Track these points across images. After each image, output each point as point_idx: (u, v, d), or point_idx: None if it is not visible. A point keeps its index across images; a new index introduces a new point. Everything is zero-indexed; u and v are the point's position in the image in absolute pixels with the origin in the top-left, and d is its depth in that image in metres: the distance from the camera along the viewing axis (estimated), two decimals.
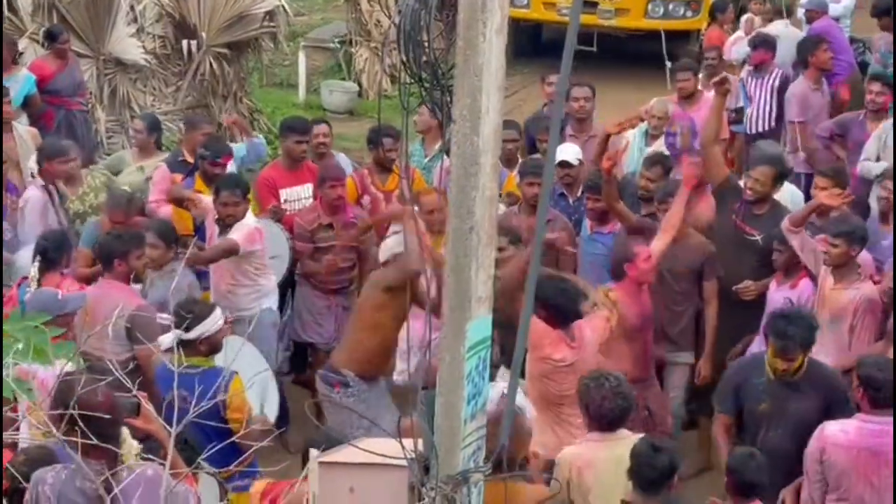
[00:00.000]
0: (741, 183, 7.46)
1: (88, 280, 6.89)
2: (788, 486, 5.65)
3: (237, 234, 7.17)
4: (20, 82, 9.41)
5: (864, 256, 6.78)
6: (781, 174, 7.43)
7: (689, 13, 14.31)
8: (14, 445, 4.87)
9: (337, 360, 6.80)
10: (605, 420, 5.32)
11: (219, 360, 5.88)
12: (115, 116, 11.08)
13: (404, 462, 3.37)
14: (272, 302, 7.47)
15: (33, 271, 6.55)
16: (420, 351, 6.88)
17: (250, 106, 12.03)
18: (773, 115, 10.09)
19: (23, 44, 10.27)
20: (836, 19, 12.22)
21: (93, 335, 5.49)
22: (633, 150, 9.12)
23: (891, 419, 5.33)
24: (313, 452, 3.78)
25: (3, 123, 8.58)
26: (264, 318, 7.13)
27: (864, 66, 11.21)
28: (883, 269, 6.94)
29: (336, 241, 7.75)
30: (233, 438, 4.82)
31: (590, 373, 5.54)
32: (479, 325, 3.35)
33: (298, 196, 8.28)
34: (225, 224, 7.27)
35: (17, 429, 4.46)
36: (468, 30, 3.19)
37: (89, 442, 3.61)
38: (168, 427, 3.46)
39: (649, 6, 14.17)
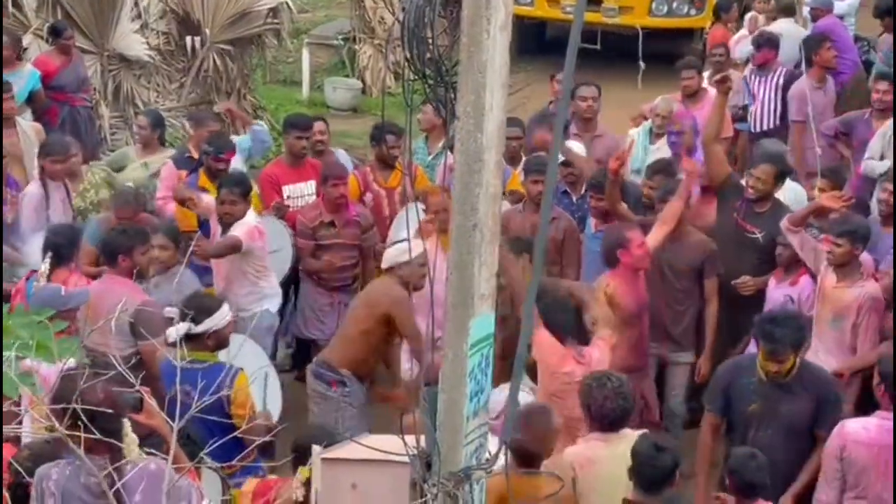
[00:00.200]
0: (743, 181, 7.47)
1: (94, 278, 6.90)
2: (787, 494, 5.64)
3: (238, 231, 7.16)
4: (25, 78, 9.41)
5: (864, 256, 6.78)
6: (783, 172, 7.44)
7: (692, 11, 14.29)
8: (17, 440, 4.89)
9: (332, 357, 6.78)
10: (606, 420, 5.32)
11: (221, 356, 5.88)
12: (118, 112, 11.09)
13: (406, 459, 3.38)
14: (272, 304, 7.44)
15: (44, 267, 6.57)
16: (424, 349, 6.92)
17: (254, 103, 12.04)
18: (778, 113, 10.08)
19: (27, 39, 10.28)
20: (841, 17, 12.21)
21: (96, 330, 5.49)
22: (638, 148, 9.13)
23: None
24: (316, 449, 3.78)
25: (4, 119, 8.59)
26: (261, 321, 7.13)
27: (868, 64, 11.20)
28: (882, 267, 6.94)
29: (338, 239, 7.75)
30: (235, 433, 4.82)
31: (591, 374, 5.54)
32: (482, 322, 3.35)
33: (301, 193, 8.29)
34: (225, 223, 7.27)
35: (20, 423, 4.47)
36: (472, 26, 3.18)
37: (92, 437, 3.61)
38: (171, 422, 3.46)
39: (653, 4, 14.16)
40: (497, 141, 3.28)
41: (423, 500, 3.34)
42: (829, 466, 5.49)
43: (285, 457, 5.22)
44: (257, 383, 5.95)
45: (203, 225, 7.64)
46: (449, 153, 3.73)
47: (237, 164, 8.36)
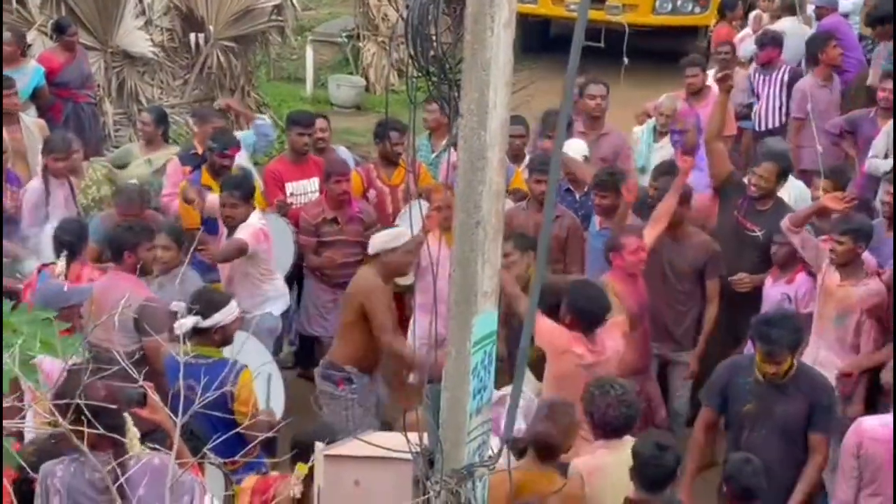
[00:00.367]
0: (745, 179, 7.46)
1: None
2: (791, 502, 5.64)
3: (243, 234, 7.15)
4: (29, 74, 9.42)
5: (865, 255, 6.79)
6: (785, 170, 7.44)
7: (697, 9, 14.28)
8: (20, 435, 4.89)
9: (336, 355, 6.81)
10: (609, 428, 5.33)
11: (225, 353, 5.89)
12: (122, 109, 11.10)
13: (409, 456, 3.38)
14: (276, 307, 7.43)
15: (60, 265, 6.58)
16: (426, 346, 6.93)
17: (257, 100, 12.04)
18: (783, 111, 10.08)
19: (31, 36, 10.28)
20: (846, 16, 12.20)
21: (101, 326, 5.50)
22: (642, 145, 9.13)
23: None
24: (319, 446, 3.79)
25: (8, 115, 8.59)
26: (263, 323, 7.14)
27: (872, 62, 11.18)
28: (884, 267, 6.94)
29: (341, 236, 7.75)
30: (238, 429, 4.82)
31: (594, 381, 5.54)
32: (485, 319, 3.35)
33: (304, 190, 8.29)
34: (229, 226, 7.28)
35: (23, 418, 4.47)
36: (476, 24, 3.18)
37: (95, 432, 3.61)
38: (174, 417, 3.47)
39: (657, 2, 14.15)
40: (500, 138, 3.28)
41: (426, 497, 3.35)
42: (845, 464, 5.50)
43: (287, 454, 5.23)
44: (260, 380, 5.95)
45: (207, 223, 7.65)
46: (452, 150, 3.73)
47: (242, 159, 8.36)
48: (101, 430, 3.75)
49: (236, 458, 5.01)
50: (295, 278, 8.00)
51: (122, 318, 5.94)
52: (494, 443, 3.59)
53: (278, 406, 6.32)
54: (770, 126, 10.14)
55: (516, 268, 6.60)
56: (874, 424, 5.45)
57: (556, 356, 6.01)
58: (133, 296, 6.13)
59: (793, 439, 5.64)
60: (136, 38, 11.06)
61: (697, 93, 9.60)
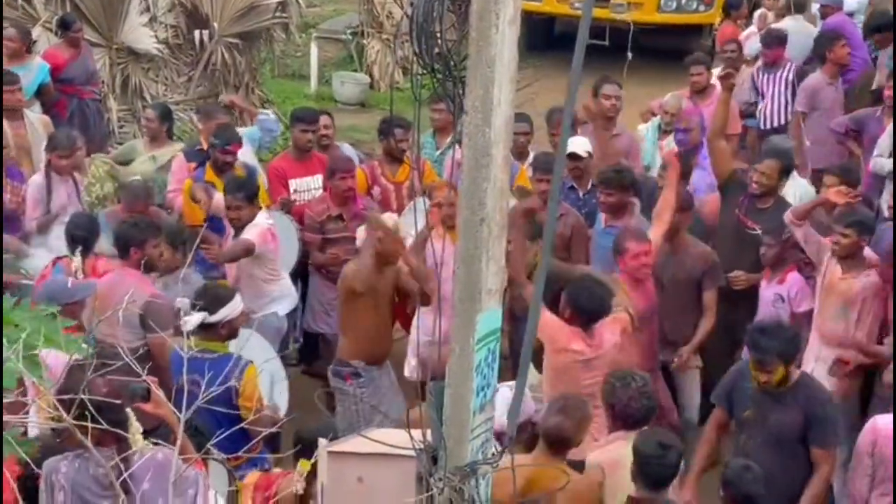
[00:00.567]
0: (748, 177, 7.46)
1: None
2: None
3: (250, 234, 7.15)
4: (34, 71, 9.42)
5: (866, 251, 6.79)
6: (787, 168, 7.43)
7: (701, 7, 14.27)
8: (23, 432, 4.89)
9: (343, 351, 6.84)
10: (630, 419, 5.37)
11: (230, 349, 5.90)
12: (126, 106, 11.10)
13: (413, 453, 3.38)
14: (281, 307, 7.42)
15: (76, 261, 6.59)
16: (430, 344, 6.93)
17: (261, 96, 12.04)
18: (788, 109, 10.06)
19: (36, 32, 10.28)
20: (851, 15, 12.18)
21: (106, 322, 5.51)
22: (647, 144, 9.12)
23: None
24: (322, 442, 3.79)
25: (12, 111, 8.60)
26: (269, 323, 7.14)
27: (878, 61, 11.17)
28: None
29: (346, 233, 7.75)
30: (242, 424, 4.84)
31: (615, 373, 5.58)
32: (489, 317, 3.35)
33: (308, 187, 8.29)
34: (235, 227, 7.28)
35: (27, 413, 4.47)
36: (481, 21, 3.18)
37: (99, 427, 3.62)
38: (178, 412, 3.48)
39: (662, 0, 14.14)
40: (505, 136, 3.28)
41: (429, 494, 3.35)
42: (860, 462, 5.52)
43: (290, 450, 5.23)
44: (264, 376, 5.96)
45: (212, 221, 7.65)
46: (457, 148, 3.72)
47: (247, 155, 8.36)
48: (105, 427, 3.75)
49: (239, 453, 5.00)
50: (299, 275, 8.00)
51: (127, 315, 5.95)
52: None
53: (282, 402, 6.33)
54: (775, 124, 10.14)
55: (527, 252, 6.60)
56: (888, 423, 5.44)
57: (554, 352, 6.04)
58: (138, 292, 6.15)
59: (788, 450, 5.59)
60: (140, 34, 11.06)
61: (702, 91, 9.58)
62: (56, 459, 4.33)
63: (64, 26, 9.98)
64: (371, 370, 6.75)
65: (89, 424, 3.54)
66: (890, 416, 5.51)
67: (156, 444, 4.21)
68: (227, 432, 3.82)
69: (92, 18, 10.75)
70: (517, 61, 3.28)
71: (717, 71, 10.06)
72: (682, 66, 10.10)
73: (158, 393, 4.36)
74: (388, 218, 6.95)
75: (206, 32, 11.34)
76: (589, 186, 8.11)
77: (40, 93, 9.52)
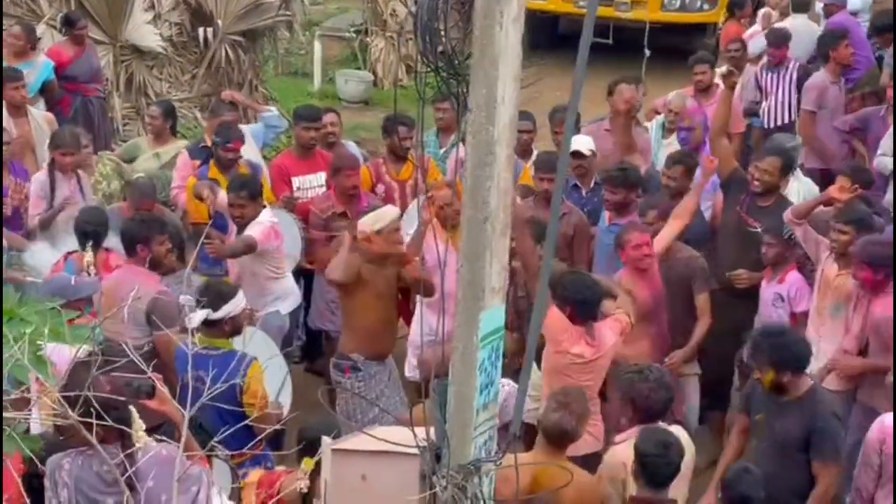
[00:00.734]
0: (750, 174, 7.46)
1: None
2: None
3: (253, 231, 7.16)
4: (38, 68, 9.43)
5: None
6: (788, 165, 7.42)
7: (705, 6, 14.27)
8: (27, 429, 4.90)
9: (344, 345, 6.85)
10: (651, 412, 5.39)
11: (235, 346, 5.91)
12: (131, 103, 11.11)
13: (416, 451, 3.38)
14: (284, 306, 7.43)
15: (89, 256, 6.59)
16: (431, 343, 6.95)
17: (265, 94, 12.05)
18: (793, 108, 10.06)
19: (40, 29, 10.29)
20: (855, 14, 12.17)
21: (112, 320, 5.51)
22: (652, 142, 9.11)
23: None
24: (326, 440, 3.79)
25: (16, 108, 8.61)
26: (271, 321, 7.15)
27: (881, 60, 11.16)
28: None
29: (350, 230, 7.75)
30: (246, 422, 4.84)
31: (631, 367, 5.61)
32: (493, 315, 3.35)
33: (311, 184, 8.29)
34: (238, 225, 7.28)
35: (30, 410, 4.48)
36: (485, 19, 3.18)
37: (102, 424, 3.62)
38: (183, 409, 3.48)
39: None
40: (509, 134, 3.28)
41: (433, 491, 3.35)
42: (868, 457, 5.52)
43: (293, 448, 5.23)
44: (268, 374, 5.97)
45: (215, 218, 7.66)
46: (460, 146, 3.73)
47: (251, 152, 8.37)
48: (108, 423, 3.76)
49: (244, 451, 5.01)
50: (302, 273, 8.01)
51: (133, 312, 5.96)
52: None
53: (286, 400, 6.34)
54: (779, 123, 10.13)
55: (533, 257, 6.60)
56: None
57: (555, 352, 6.06)
58: (144, 289, 6.15)
59: (790, 459, 5.57)
60: (144, 32, 11.07)
61: (706, 90, 9.58)
62: (59, 456, 4.34)
63: (68, 24, 10.00)
64: (370, 365, 6.76)
65: (94, 422, 3.54)
66: None
67: (161, 441, 4.21)
68: (232, 429, 3.82)
69: (96, 16, 10.77)
70: (521, 59, 3.28)
71: (721, 70, 10.07)
72: (686, 65, 10.09)
73: (163, 390, 4.36)
74: (388, 211, 6.94)
75: (210, 30, 11.35)
76: (592, 185, 8.11)
77: (44, 90, 9.53)
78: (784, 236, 7.00)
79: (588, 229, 7.69)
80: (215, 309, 5.78)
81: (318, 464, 4.48)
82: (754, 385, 5.93)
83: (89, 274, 6.57)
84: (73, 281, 6.25)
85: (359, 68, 14.13)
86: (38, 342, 3.28)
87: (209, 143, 8.28)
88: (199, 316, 5.72)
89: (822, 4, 11.94)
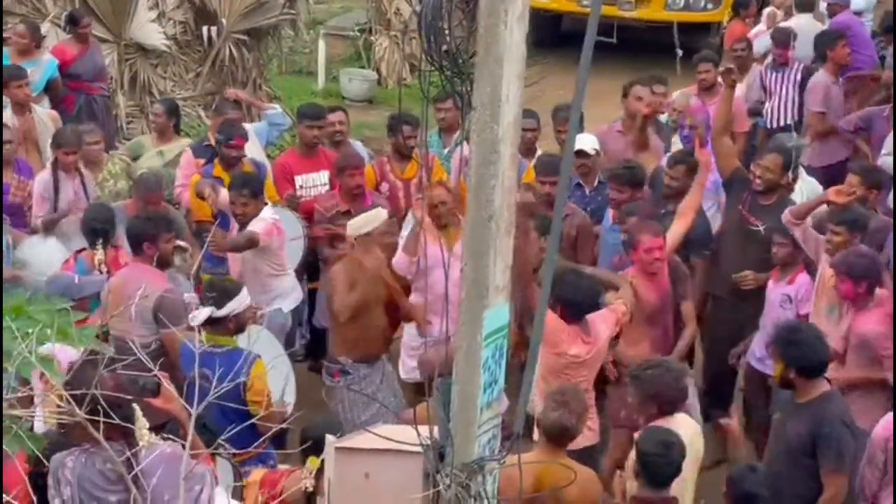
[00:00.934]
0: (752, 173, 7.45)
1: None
2: None
3: (255, 227, 7.17)
4: (43, 67, 9.44)
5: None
6: (790, 163, 7.39)
7: (709, 5, 14.26)
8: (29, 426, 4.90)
9: (332, 349, 6.88)
10: (672, 405, 5.42)
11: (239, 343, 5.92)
12: (135, 101, 11.12)
13: (420, 449, 3.38)
14: (286, 304, 7.43)
15: (100, 254, 6.60)
16: (424, 345, 6.98)
17: (269, 93, 12.05)
18: (796, 108, 10.05)
19: (45, 28, 10.30)
20: (859, 13, 12.16)
21: (120, 318, 5.52)
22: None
23: None
24: (330, 438, 3.80)
25: (20, 106, 8.62)
26: (273, 319, 7.15)
27: (885, 60, 11.15)
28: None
29: None
30: (251, 421, 4.84)
31: (645, 362, 5.63)
32: (497, 313, 3.36)
33: (314, 182, 8.29)
34: (240, 222, 7.29)
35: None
36: (489, 17, 3.18)
37: (108, 421, 3.63)
38: (188, 407, 3.48)
39: None
40: (513, 133, 3.28)
41: (436, 490, 3.35)
42: (873, 455, 5.51)
43: (296, 446, 5.23)
44: (273, 373, 5.97)
45: (221, 217, 7.67)
46: (464, 145, 3.73)
47: (255, 151, 8.37)
48: (112, 421, 3.76)
49: (248, 449, 5.01)
50: (305, 272, 8.01)
51: (140, 310, 5.96)
52: None
53: (290, 398, 6.34)
54: (783, 123, 10.12)
55: (532, 248, 6.58)
56: None
57: (551, 353, 6.05)
58: (151, 287, 6.15)
59: (798, 462, 5.54)
60: (149, 30, 11.08)
61: (709, 89, 9.57)
62: (63, 454, 4.34)
63: (72, 22, 10.01)
64: (359, 368, 6.78)
65: (101, 419, 3.55)
66: None
67: (167, 439, 4.21)
68: (237, 428, 3.82)
69: (100, 14, 10.77)
70: (525, 58, 3.28)
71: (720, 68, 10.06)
72: (690, 64, 10.09)
73: (170, 388, 4.37)
74: (377, 214, 6.95)
75: (214, 29, 11.36)
76: (595, 184, 8.11)
77: (49, 88, 9.54)
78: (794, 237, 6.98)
79: (592, 230, 7.68)
80: (219, 306, 5.79)
81: (323, 462, 4.48)
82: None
83: (101, 272, 6.58)
84: (77, 280, 6.26)
85: (363, 67, 14.12)
86: (43, 341, 3.28)
87: (213, 142, 8.29)
88: (203, 313, 5.73)
89: (825, 4, 11.92)
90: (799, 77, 10.09)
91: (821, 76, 9.75)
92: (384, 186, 8.27)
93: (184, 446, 3.62)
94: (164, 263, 6.62)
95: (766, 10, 12.44)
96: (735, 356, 7.12)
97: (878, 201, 7.50)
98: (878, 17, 12.57)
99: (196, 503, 4.16)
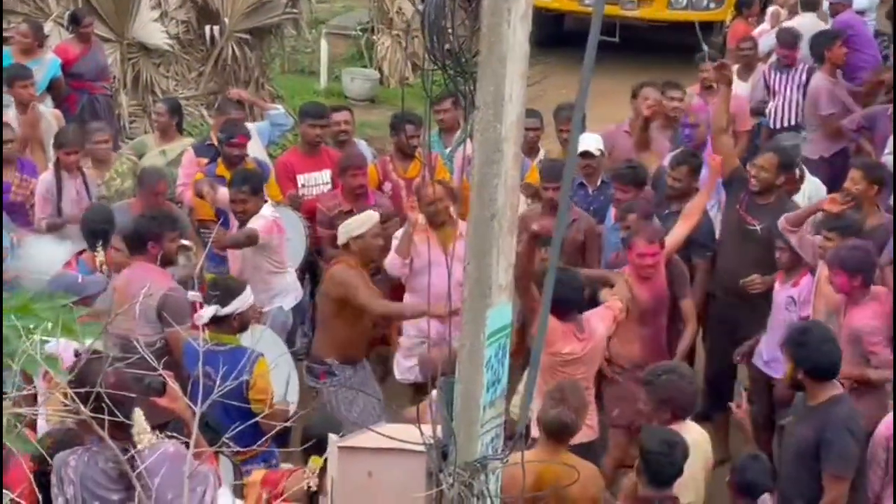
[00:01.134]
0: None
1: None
2: None
3: (255, 224, 7.18)
4: (45, 66, 9.45)
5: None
6: (786, 164, 7.36)
7: (712, 4, 14.25)
8: (32, 425, 4.92)
9: (317, 349, 6.88)
10: (685, 410, 5.44)
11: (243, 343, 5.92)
12: (137, 101, 11.13)
13: (423, 448, 3.39)
14: (286, 302, 7.43)
15: (101, 256, 6.60)
16: (420, 345, 6.99)
17: (272, 92, 12.05)
18: (801, 109, 10.03)
19: (48, 27, 10.31)
20: (862, 13, 12.15)
21: (125, 317, 5.52)
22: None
23: None
24: (332, 437, 3.80)
25: (24, 105, 8.63)
26: (275, 317, 7.15)
27: (888, 59, 11.14)
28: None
29: None
30: (255, 420, 4.84)
31: (656, 368, 5.63)
32: (500, 312, 3.36)
33: (316, 182, 8.30)
34: (240, 220, 7.29)
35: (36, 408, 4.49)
36: (492, 16, 3.18)
37: (111, 420, 3.63)
38: (192, 406, 3.49)
39: None
40: (516, 132, 3.28)
41: (439, 489, 3.35)
42: (876, 454, 5.52)
43: (298, 445, 5.24)
44: (280, 374, 5.98)
45: (222, 216, 7.67)
46: (468, 144, 3.73)
47: (257, 150, 8.37)
48: (114, 419, 3.76)
49: (252, 448, 5.01)
50: (308, 271, 8.01)
51: (144, 309, 5.96)
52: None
53: (293, 397, 6.35)
54: (786, 124, 10.11)
55: (534, 261, 6.57)
56: None
57: (547, 353, 6.00)
58: (155, 286, 6.15)
59: (804, 466, 5.53)
60: (151, 30, 11.09)
61: (711, 87, 9.57)
62: (66, 453, 4.35)
63: (74, 21, 10.01)
64: (345, 369, 6.79)
65: (106, 418, 3.55)
66: None
67: (171, 437, 4.22)
68: (241, 427, 3.82)
69: (103, 14, 10.78)
70: (528, 57, 3.28)
71: (735, 69, 10.05)
72: (693, 63, 10.08)
73: (175, 387, 4.37)
74: (370, 216, 6.96)
75: (216, 28, 11.36)
76: (599, 183, 8.11)
77: (51, 87, 9.55)
78: None
79: (598, 234, 7.63)
80: (224, 305, 5.80)
81: (326, 461, 4.48)
82: None
83: (103, 273, 6.58)
84: (80, 279, 6.27)
85: (365, 66, 14.13)
86: (48, 339, 3.29)
87: (215, 141, 8.29)
88: (208, 312, 5.74)
89: (828, 3, 11.91)
90: (804, 78, 10.07)
91: (819, 80, 9.72)
92: (387, 186, 8.27)
93: (187, 445, 3.62)
94: (167, 262, 6.62)
95: (770, 9, 12.43)
96: (740, 355, 7.11)
97: (881, 198, 7.49)
98: (881, 17, 12.56)
99: None
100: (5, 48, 9.45)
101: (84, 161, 8.09)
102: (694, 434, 5.37)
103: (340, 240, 6.88)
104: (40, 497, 4.14)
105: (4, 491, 3.75)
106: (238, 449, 4.65)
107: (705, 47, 9.55)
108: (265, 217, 7.21)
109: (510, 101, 3.22)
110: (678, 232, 6.96)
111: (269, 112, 9.11)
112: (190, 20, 11.42)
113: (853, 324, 6.25)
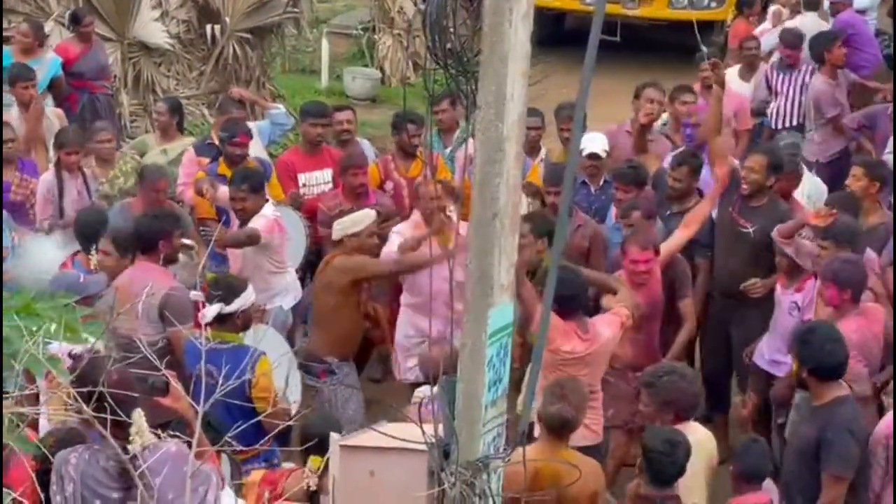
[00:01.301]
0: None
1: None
2: None
3: (256, 224, 7.18)
4: (46, 65, 9.46)
5: (870, 255, 6.72)
6: (775, 165, 7.33)
7: (713, 4, 14.25)
8: (34, 424, 4.92)
9: (314, 347, 6.87)
10: (688, 411, 5.44)
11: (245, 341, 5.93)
12: (138, 100, 11.13)
13: (424, 447, 3.39)
14: (286, 301, 7.44)
15: (95, 258, 6.60)
16: (420, 344, 7.00)
17: (273, 91, 12.06)
18: (803, 110, 10.03)
19: (48, 26, 10.32)
20: (863, 12, 12.15)
21: (126, 316, 5.52)
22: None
23: None
24: (334, 436, 3.80)
25: (22, 104, 8.63)
26: (275, 317, 7.16)
27: (889, 58, 11.14)
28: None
29: None
30: (258, 419, 4.84)
31: (658, 369, 5.64)
32: (501, 311, 3.36)
33: (317, 181, 8.30)
34: (241, 218, 7.30)
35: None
36: (494, 15, 3.19)
37: (113, 418, 3.63)
38: (195, 405, 3.49)
39: None
40: (518, 131, 3.28)
41: (441, 488, 3.35)
42: (876, 453, 5.51)
43: (297, 445, 5.24)
44: (281, 373, 5.99)
45: (223, 215, 7.68)
46: (469, 143, 3.73)
47: (258, 149, 8.37)
48: (116, 418, 3.77)
49: (254, 447, 5.01)
50: (308, 270, 8.02)
51: (147, 308, 5.97)
52: None
53: (295, 397, 6.35)
54: (787, 125, 10.11)
55: (527, 250, 6.57)
56: None
57: (547, 350, 5.99)
58: (157, 285, 6.15)
59: (806, 465, 5.54)
60: (152, 29, 11.09)
61: (712, 87, 9.56)
62: (66, 451, 4.36)
63: (75, 21, 10.02)
64: (343, 366, 6.82)
65: (108, 417, 3.55)
66: None
67: (174, 436, 4.22)
68: (243, 426, 3.82)
69: (104, 13, 10.79)
70: (530, 56, 3.28)
71: (734, 68, 10.06)
72: (693, 63, 10.08)
73: (178, 386, 4.37)
74: (365, 215, 6.97)
75: (217, 27, 11.37)
76: (601, 183, 8.11)
77: (52, 86, 9.55)
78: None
79: (603, 241, 7.57)
80: (227, 303, 5.80)
81: (327, 461, 4.48)
82: None
83: (96, 275, 6.57)
84: (81, 278, 6.27)
85: (366, 65, 14.13)
86: (50, 339, 3.29)
87: (216, 141, 8.30)
88: (212, 310, 5.74)
89: (828, 2, 11.91)
90: (807, 79, 10.06)
91: (819, 83, 9.71)
92: (388, 185, 8.27)
93: (189, 445, 3.62)
94: (169, 261, 6.62)
95: (772, 8, 12.43)
96: (748, 354, 7.11)
97: (881, 196, 7.48)
98: (882, 15, 12.56)
99: None
100: (6, 48, 9.45)
101: (87, 160, 8.09)
102: (698, 434, 5.38)
103: (335, 236, 6.91)
104: (42, 496, 4.15)
105: (6, 490, 3.74)
106: (239, 448, 4.65)
107: (703, 47, 9.57)
108: (266, 216, 7.22)
109: (512, 101, 3.23)
110: (678, 237, 6.95)
111: (270, 111, 9.11)
112: (191, 19, 11.43)
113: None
